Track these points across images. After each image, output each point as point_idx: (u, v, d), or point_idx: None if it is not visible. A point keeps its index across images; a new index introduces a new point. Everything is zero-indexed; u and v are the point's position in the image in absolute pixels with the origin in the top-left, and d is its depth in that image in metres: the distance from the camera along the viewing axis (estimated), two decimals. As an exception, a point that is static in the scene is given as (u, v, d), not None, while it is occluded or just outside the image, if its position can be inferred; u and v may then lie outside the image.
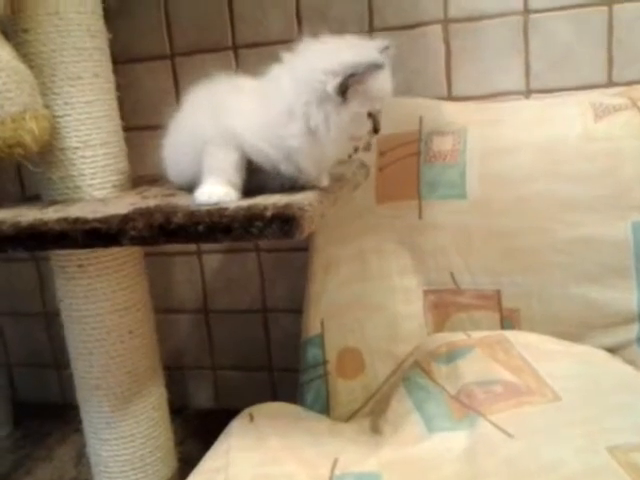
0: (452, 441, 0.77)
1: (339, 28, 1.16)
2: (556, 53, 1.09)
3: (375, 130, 0.72)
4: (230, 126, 0.70)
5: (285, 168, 0.71)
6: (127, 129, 1.31)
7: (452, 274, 1.04)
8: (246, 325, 1.39)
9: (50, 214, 0.71)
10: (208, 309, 1.41)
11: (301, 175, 0.71)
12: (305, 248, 1.12)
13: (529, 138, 1.00)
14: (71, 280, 0.85)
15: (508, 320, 1.02)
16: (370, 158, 1.06)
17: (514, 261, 1.00)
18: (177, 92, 1.28)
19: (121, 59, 1.29)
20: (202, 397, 1.47)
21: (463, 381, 0.87)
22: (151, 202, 0.73)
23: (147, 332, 0.91)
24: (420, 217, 1.04)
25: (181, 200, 0.73)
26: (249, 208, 0.62)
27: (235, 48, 1.24)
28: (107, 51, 0.86)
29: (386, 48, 0.73)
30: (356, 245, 1.07)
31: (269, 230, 0.60)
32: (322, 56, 0.69)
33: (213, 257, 1.37)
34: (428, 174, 1.04)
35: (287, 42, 1.19)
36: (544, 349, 0.94)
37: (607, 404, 0.79)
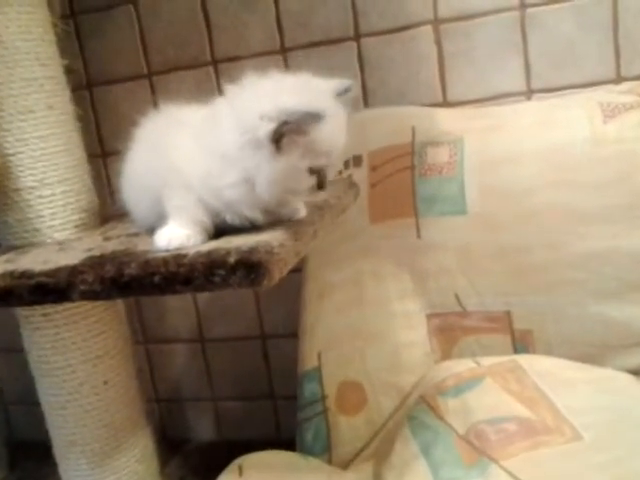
0: (462, 494, 0.70)
1: (323, 36, 1.13)
2: (558, 49, 1.01)
3: (320, 187, 0.62)
4: (177, 169, 0.63)
5: (231, 218, 0.63)
6: (107, 154, 1.28)
7: (457, 295, 0.96)
8: (245, 353, 1.33)
9: (-1, 266, 0.64)
10: (204, 338, 1.34)
11: (253, 222, 0.64)
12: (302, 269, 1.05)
13: (532, 145, 0.93)
14: (36, 330, 0.78)
15: (520, 343, 0.94)
16: (361, 174, 0.98)
17: (524, 279, 0.93)
18: (157, 112, 1.22)
19: (97, 82, 1.24)
20: (203, 429, 1.41)
21: (473, 418, 0.79)
22: (110, 246, 0.66)
23: (124, 381, 0.83)
24: (418, 236, 0.96)
25: (143, 243, 0.65)
26: (209, 254, 0.54)
27: (215, 62, 1.17)
28: (62, 79, 0.79)
29: (346, 91, 0.64)
30: (351, 269, 0.99)
31: (233, 279, 0.53)
32: (263, 96, 0.60)
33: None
34: (424, 189, 0.96)
35: (269, 53, 1.16)
36: (561, 377, 0.86)
37: (636, 440, 0.71)
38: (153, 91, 1.22)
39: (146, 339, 1.38)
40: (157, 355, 1.39)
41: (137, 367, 0.92)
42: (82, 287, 0.56)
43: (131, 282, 0.55)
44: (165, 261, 0.55)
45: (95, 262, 0.58)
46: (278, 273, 0.54)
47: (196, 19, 1.15)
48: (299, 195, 0.65)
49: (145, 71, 1.21)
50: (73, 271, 0.57)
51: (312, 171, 0.61)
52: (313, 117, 0.57)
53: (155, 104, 1.19)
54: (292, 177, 0.61)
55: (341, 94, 0.63)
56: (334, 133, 0.61)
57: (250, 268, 0.52)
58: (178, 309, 1.34)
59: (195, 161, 0.62)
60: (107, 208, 1.25)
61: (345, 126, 0.63)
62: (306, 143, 0.59)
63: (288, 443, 0.99)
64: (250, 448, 0.98)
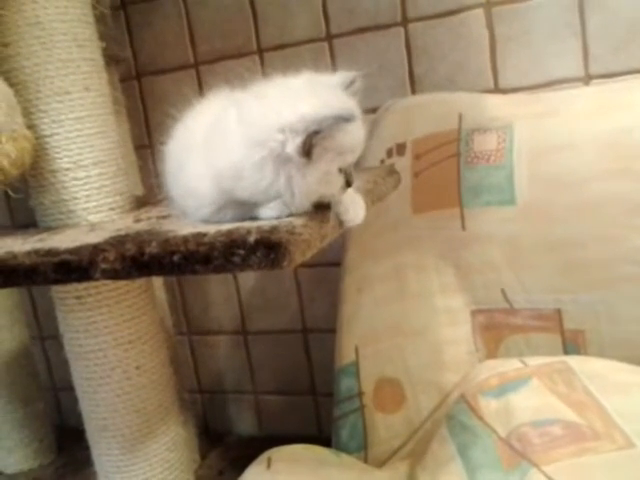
0: (498, 499, 0.65)
1: (370, 22, 1.09)
2: (618, 32, 0.95)
3: (348, 184, 0.60)
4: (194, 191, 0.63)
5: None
6: (155, 145, 1.28)
7: (504, 291, 0.91)
8: (287, 346, 1.31)
9: (28, 245, 0.64)
10: (247, 330, 1.33)
11: None
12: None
13: (589, 131, 0.87)
14: (70, 313, 0.78)
15: (571, 343, 0.88)
16: (404, 163, 0.95)
17: (576, 276, 0.87)
18: (203, 102, 1.22)
19: (145, 72, 1.25)
20: (244, 423, 1.40)
21: (516, 421, 0.74)
22: (138, 227, 0.65)
23: (157, 367, 0.82)
24: (463, 228, 0.92)
25: (170, 224, 0.64)
26: (230, 233, 0.52)
27: (260, 52, 1.16)
28: (100, 62, 0.79)
29: (352, 82, 0.60)
30: (392, 262, 0.96)
31: (253, 259, 0.50)
32: (277, 106, 0.56)
33: (249, 275, 1.29)
34: (470, 178, 0.91)
35: (315, 41, 1.13)
36: (614, 380, 0.79)
37: (695, 453, 0.64)
38: (200, 81, 1.22)
39: (190, 330, 1.38)
40: (201, 346, 1.39)
41: (171, 355, 0.91)
42: (103, 265, 0.55)
43: (151, 261, 0.53)
44: (185, 240, 0.53)
45: (118, 241, 0.57)
46: (300, 255, 0.51)
47: (242, 8, 1.14)
48: (332, 197, 0.61)
49: (192, 61, 1.21)
50: (95, 249, 0.56)
51: (340, 170, 0.59)
52: (343, 119, 0.55)
53: (202, 94, 1.22)
54: (326, 182, 0.59)
55: (348, 87, 0.60)
56: (357, 128, 0.58)
57: (270, 248, 0.50)
58: (222, 301, 1.33)
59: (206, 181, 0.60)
60: (154, 198, 1.26)
61: (361, 117, 0.59)
62: (334, 147, 0.56)
63: (329, 440, 0.96)
64: (290, 444, 0.96)
